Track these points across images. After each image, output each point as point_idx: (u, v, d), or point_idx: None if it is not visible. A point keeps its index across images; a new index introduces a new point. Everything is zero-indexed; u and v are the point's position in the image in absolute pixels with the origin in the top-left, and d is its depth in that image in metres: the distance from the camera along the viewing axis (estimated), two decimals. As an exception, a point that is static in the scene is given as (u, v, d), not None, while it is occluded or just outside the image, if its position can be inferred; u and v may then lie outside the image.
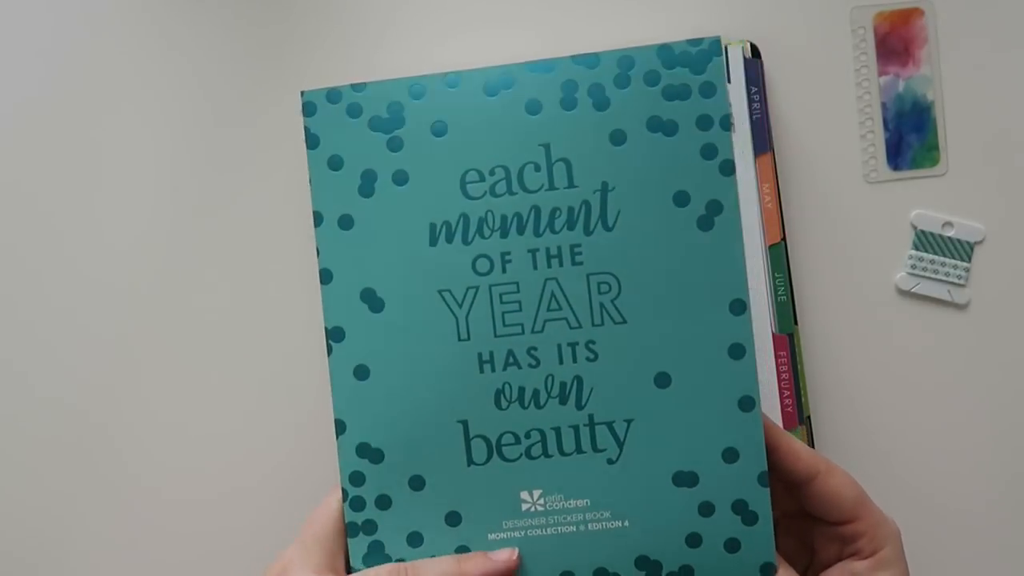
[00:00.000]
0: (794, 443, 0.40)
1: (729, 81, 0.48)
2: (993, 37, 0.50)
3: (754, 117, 0.48)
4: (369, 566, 0.40)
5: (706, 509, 0.39)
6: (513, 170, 0.40)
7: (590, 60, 0.40)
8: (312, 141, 0.40)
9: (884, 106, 0.50)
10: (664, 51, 0.40)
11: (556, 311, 0.40)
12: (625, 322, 0.39)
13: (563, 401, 0.40)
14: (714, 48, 0.40)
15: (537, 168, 0.40)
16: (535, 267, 0.40)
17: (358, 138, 0.40)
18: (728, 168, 0.39)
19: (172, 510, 0.51)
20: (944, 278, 0.50)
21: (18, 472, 0.51)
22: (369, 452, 0.40)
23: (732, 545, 0.39)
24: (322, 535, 0.39)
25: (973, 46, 0.50)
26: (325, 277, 0.40)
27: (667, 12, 0.50)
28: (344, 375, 0.40)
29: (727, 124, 0.39)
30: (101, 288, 0.51)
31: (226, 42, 0.51)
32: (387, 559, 0.40)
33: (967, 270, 0.50)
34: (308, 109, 0.40)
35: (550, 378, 0.40)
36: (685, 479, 0.39)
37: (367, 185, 0.40)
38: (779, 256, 0.49)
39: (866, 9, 0.50)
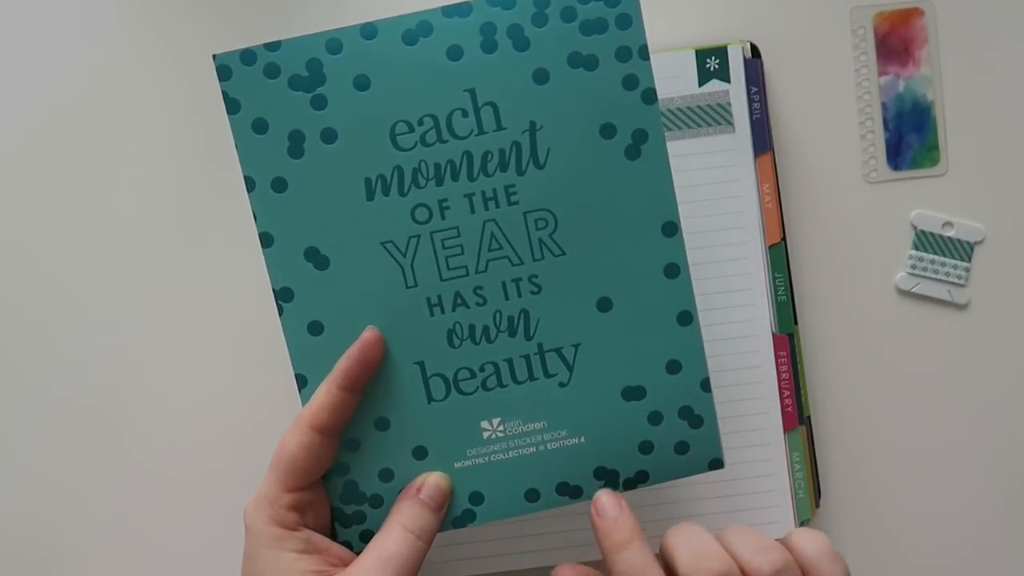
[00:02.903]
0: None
1: (729, 81, 0.48)
2: (993, 37, 0.50)
3: (754, 117, 0.48)
4: (346, 504, 0.42)
5: (655, 418, 0.41)
6: (441, 118, 0.40)
7: (506, 1, 0.40)
8: (232, 106, 0.40)
9: (884, 106, 0.50)
10: None
11: (497, 250, 0.41)
12: (564, 254, 0.41)
13: (512, 334, 0.41)
14: None
15: (465, 114, 0.40)
16: (473, 211, 0.41)
17: (280, 99, 0.40)
18: (650, 96, 0.40)
19: (176, 501, 0.51)
20: (944, 278, 0.50)
21: (25, 465, 0.51)
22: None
23: (681, 447, 0.42)
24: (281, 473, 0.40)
25: (973, 46, 0.50)
26: (266, 240, 0.41)
27: (667, 12, 0.50)
28: (299, 332, 0.41)
29: (645, 54, 0.40)
30: (105, 284, 0.51)
31: (227, 40, 0.51)
32: (362, 496, 0.42)
33: (967, 270, 0.50)
34: (223, 73, 0.40)
35: (498, 314, 0.41)
36: (633, 393, 0.41)
37: (296, 146, 0.40)
38: (779, 256, 0.49)
39: (866, 9, 0.50)
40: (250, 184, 0.40)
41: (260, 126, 0.40)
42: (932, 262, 0.50)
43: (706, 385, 0.41)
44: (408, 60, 0.40)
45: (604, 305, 0.41)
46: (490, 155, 0.40)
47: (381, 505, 0.42)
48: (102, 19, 0.51)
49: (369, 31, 0.40)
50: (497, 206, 0.41)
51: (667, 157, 0.40)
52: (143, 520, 0.51)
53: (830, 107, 0.50)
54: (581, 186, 0.40)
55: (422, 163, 0.40)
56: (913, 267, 0.50)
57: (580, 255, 0.41)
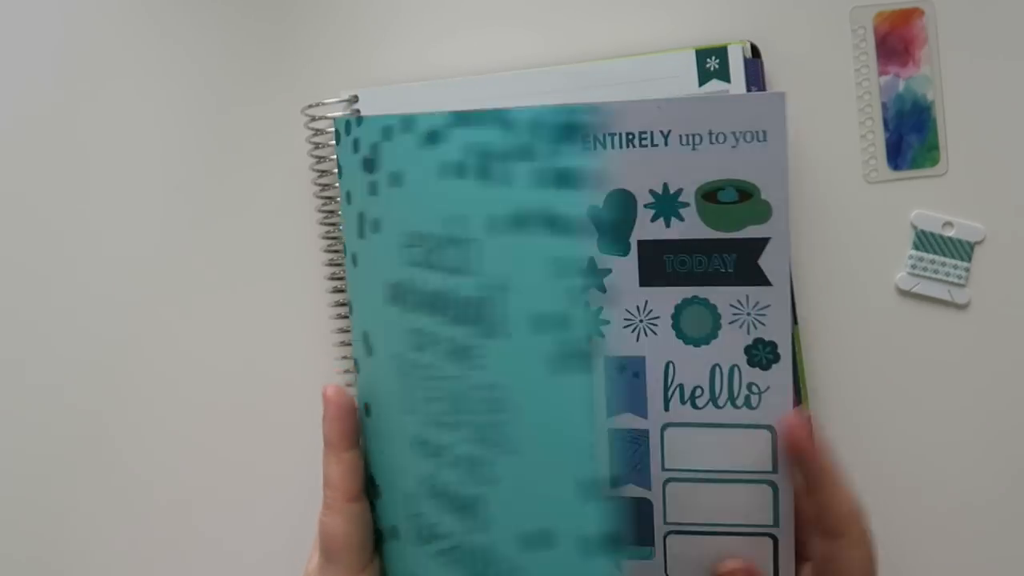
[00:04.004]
0: (837, 493, 0.39)
1: (729, 81, 0.48)
2: (993, 37, 0.50)
3: (754, 117, 0.48)
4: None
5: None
6: (433, 240, 0.35)
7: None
8: (340, 171, 0.38)
9: (884, 106, 0.50)
10: None
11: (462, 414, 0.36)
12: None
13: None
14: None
15: (455, 244, 0.35)
16: (447, 358, 0.36)
17: (356, 176, 0.37)
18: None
19: (174, 513, 0.51)
20: (944, 278, 0.50)
21: (22, 473, 0.51)
22: (372, 486, 0.39)
23: None
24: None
25: (973, 46, 0.50)
26: (349, 309, 0.39)
27: (668, 11, 0.50)
28: (361, 411, 0.39)
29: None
30: (106, 288, 0.51)
31: (227, 38, 0.51)
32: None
33: (967, 270, 0.50)
34: (337, 136, 0.38)
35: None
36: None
37: (360, 227, 0.38)
38: (779, 256, 0.48)
39: (866, 9, 0.50)
40: (344, 249, 0.39)
41: (348, 198, 0.38)
42: (932, 262, 0.50)
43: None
44: (427, 165, 0.35)
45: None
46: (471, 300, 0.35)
47: None
48: (102, 16, 0.51)
49: (407, 123, 0.35)
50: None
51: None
52: (142, 523, 0.51)
53: (830, 107, 0.50)
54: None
55: (415, 284, 0.36)
56: (913, 267, 0.50)
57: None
